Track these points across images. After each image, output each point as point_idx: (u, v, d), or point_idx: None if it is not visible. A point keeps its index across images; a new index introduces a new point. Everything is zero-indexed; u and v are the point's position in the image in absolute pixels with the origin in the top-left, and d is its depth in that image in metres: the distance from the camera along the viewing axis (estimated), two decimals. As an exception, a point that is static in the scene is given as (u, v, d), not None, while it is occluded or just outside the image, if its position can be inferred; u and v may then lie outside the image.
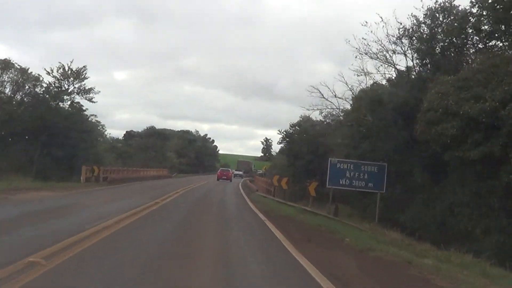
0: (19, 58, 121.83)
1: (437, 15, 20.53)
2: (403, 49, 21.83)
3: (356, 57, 24.34)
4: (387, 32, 22.71)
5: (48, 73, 36.27)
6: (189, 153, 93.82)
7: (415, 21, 21.72)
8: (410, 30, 21.55)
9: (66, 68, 36.37)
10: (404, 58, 22.02)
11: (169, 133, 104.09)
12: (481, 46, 18.93)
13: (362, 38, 24.01)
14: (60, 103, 37.61)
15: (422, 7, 21.14)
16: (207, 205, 22.53)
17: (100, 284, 6.49)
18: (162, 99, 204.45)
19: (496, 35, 18.65)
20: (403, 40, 21.71)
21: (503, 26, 17.71)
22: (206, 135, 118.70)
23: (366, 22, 23.46)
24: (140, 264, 7.88)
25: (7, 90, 36.53)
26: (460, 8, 20.45)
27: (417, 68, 21.43)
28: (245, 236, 12.69)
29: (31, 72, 36.65)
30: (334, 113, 30.53)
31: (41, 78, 36.78)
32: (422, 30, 20.98)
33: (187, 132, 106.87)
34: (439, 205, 17.94)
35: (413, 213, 19.39)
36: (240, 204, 24.26)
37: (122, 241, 10.00)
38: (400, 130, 19.89)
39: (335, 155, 26.07)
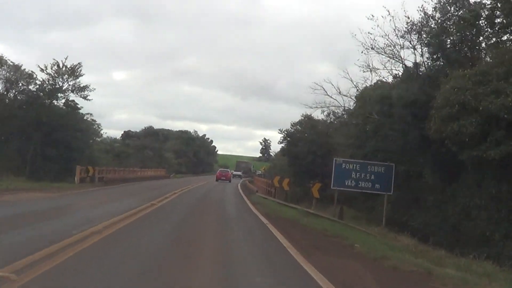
0: (18, 58, 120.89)
1: (448, 7, 19.49)
2: (412, 43, 20.78)
3: (362, 52, 23.30)
4: (395, 26, 21.68)
5: (42, 70, 35.21)
6: (188, 154, 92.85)
7: (423, 15, 20.69)
8: (419, 24, 20.52)
9: (61, 65, 35.30)
10: (413, 52, 21.00)
11: (167, 133, 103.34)
12: (494, 40, 17.87)
13: (368, 33, 22.96)
14: (54, 101, 36.54)
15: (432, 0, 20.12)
16: (205, 207, 21.55)
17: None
18: (160, 99, 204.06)
19: (511, 28, 17.63)
20: (412, 36, 20.65)
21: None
22: (204, 135, 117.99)
23: (372, 15, 22.44)
24: (127, 280, 6.83)
25: (-1, 88, 35.49)
26: (471, 1, 19.43)
27: (428, 62, 20.38)
28: (248, 244, 11.54)
29: (25, 69, 35.57)
30: (338, 111, 29.36)
31: (34, 76, 35.72)
32: (432, 24, 19.93)
33: (186, 132, 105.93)
34: (452, 208, 16.86)
35: (424, 216, 18.33)
36: (240, 206, 23.28)
37: (110, 250, 8.95)
38: (410, 128, 18.81)
39: (339, 155, 25.05)
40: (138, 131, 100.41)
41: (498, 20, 18.02)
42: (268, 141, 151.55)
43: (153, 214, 15.59)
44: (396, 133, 19.92)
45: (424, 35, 20.98)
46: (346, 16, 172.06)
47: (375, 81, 25.72)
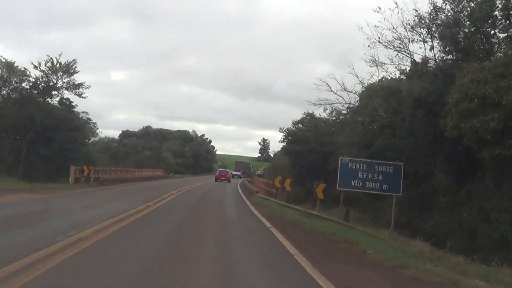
0: (17, 58, 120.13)
1: (461, -2, 18.44)
2: (422, 36, 19.70)
3: (368, 46, 22.25)
4: (403, 19, 20.64)
5: (36, 67, 34.05)
6: (186, 154, 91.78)
7: (433, 7, 19.65)
8: (429, 16, 19.44)
9: (55, 62, 34.17)
10: (423, 46, 19.95)
11: (165, 133, 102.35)
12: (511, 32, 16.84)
13: (375, 26, 21.90)
14: (48, 99, 35.38)
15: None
16: (204, 208, 20.52)
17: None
18: (159, 99, 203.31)
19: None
20: (422, 28, 19.60)
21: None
22: (203, 135, 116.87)
23: (379, 8, 21.40)
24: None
25: (-9, 86, 34.38)
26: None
27: (440, 56, 19.31)
28: (251, 251, 10.38)
29: (17, 66, 34.44)
30: (343, 107, 28.14)
31: (28, 73, 34.58)
32: (442, 16, 18.88)
33: (184, 132, 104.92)
34: (467, 210, 15.79)
35: (436, 219, 17.26)
36: (241, 208, 22.24)
37: (98, 259, 7.88)
38: (420, 125, 17.74)
39: (342, 154, 24.01)
40: (136, 131, 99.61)
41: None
42: (267, 141, 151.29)
43: (149, 217, 14.53)
44: (406, 130, 18.84)
45: (434, 28, 19.97)
46: (345, 16, 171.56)
47: (381, 76, 24.72)
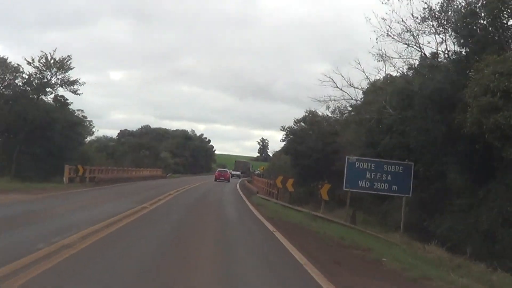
0: (15, 58, 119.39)
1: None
2: (435, 27, 18.64)
3: (376, 39, 21.15)
4: (412, 10, 19.57)
5: (29, 63, 32.93)
6: (185, 153, 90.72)
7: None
8: (441, 7, 18.38)
9: (49, 58, 33.06)
10: (434, 38, 18.89)
11: (164, 132, 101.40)
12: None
13: (383, 19, 20.84)
14: (42, 96, 34.32)
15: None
16: (203, 210, 19.51)
17: None
18: (158, 99, 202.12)
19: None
20: (433, 21, 18.57)
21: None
22: (202, 134, 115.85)
23: None
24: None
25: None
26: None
27: (455, 48, 18.25)
28: (255, 261, 9.29)
29: (10, 62, 33.35)
30: (348, 104, 26.92)
31: (21, 69, 33.48)
32: (456, 6, 17.81)
33: (183, 132, 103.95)
34: (485, 212, 14.74)
35: (450, 222, 16.20)
36: (241, 209, 21.26)
37: (79, 274, 6.82)
38: (433, 122, 16.66)
39: (347, 153, 22.97)
40: (134, 130, 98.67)
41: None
42: (266, 141, 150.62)
43: (143, 220, 13.49)
44: (416, 128, 17.79)
45: (443, 21, 18.92)
46: (345, 16, 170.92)
47: (389, 72, 23.64)
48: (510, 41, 16.19)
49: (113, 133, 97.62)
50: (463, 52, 17.47)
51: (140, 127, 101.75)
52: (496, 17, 15.79)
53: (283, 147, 44.00)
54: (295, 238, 12.34)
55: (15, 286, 5.71)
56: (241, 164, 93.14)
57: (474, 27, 16.62)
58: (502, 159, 13.80)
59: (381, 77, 24.36)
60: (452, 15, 18.16)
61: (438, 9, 19.18)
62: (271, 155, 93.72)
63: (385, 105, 20.62)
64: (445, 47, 18.58)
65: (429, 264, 10.62)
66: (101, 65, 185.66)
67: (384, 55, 21.45)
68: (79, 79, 34.54)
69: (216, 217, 17.45)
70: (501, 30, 15.94)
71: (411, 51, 20.13)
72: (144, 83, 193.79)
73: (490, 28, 16.36)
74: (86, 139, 44.36)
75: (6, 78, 33.62)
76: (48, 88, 33.97)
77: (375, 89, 23.06)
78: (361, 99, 26.63)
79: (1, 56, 33.49)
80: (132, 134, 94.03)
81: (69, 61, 33.73)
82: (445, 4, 18.96)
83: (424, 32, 19.25)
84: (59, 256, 7.52)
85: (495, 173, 14.96)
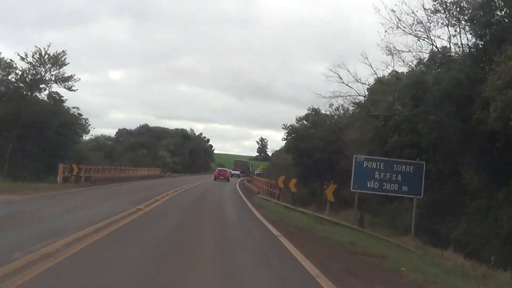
0: (14, 58, 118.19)
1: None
2: (447, 20, 17.61)
3: (385, 31, 20.12)
4: (423, 2, 18.57)
5: (22, 59, 31.85)
6: (184, 152, 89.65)
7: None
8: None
9: (43, 53, 32.00)
10: (447, 31, 17.87)
11: (163, 131, 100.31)
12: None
13: (391, 10, 19.84)
14: (36, 93, 33.23)
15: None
16: (202, 211, 18.52)
17: None
18: (157, 99, 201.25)
19: None
20: (446, 12, 17.55)
21: None
22: (201, 134, 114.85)
23: None
24: None
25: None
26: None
27: (471, 41, 17.20)
28: (259, 270, 8.29)
29: (3, 58, 32.28)
30: (354, 101, 25.83)
31: (14, 65, 32.40)
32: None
33: (182, 131, 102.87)
34: (506, 215, 13.72)
35: (466, 225, 15.18)
36: (242, 211, 20.21)
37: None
38: (449, 117, 15.60)
39: (352, 152, 21.97)
40: (133, 129, 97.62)
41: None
42: (265, 141, 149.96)
43: (136, 223, 12.45)
44: (429, 125, 16.75)
45: (456, 12, 17.89)
46: (343, 17, 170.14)
47: (397, 67, 22.58)
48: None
49: (112, 132, 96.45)
50: (479, 45, 16.45)
51: (139, 125, 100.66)
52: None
53: (284, 146, 43.00)
54: (303, 244, 11.32)
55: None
56: (241, 164, 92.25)
57: (491, 19, 15.61)
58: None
59: (388, 73, 23.42)
60: (466, 6, 17.13)
61: (450, 0, 18.16)
62: (270, 154, 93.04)
63: (394, 102, 19.59)
64: (459, 39, 17.57)
65: (451, 274, 9.61)
66: (101, 65, 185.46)
67: (393, 48, 20.45)
68: (74, 75, 33.58)
69: (216, 213, 16.87)
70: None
71: (421, 44, 19.16)
72: (144, 82, 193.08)
73: (507, 20, 15.34)
74: (82, 138, 43.45)
75: (-2, 74, 32.58)
76: (42, 84, 32.90)
77: (382, 86, 22.01)
78: (367, 95, 25.63)
79: (-4, 53, 32.45)
80: (130, 133, 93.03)
81: (64, 57, 32.75)
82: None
83: (437, 24, 18.24)
84: (36, 269, 6.55)
85: (515, 174, 13.95)
